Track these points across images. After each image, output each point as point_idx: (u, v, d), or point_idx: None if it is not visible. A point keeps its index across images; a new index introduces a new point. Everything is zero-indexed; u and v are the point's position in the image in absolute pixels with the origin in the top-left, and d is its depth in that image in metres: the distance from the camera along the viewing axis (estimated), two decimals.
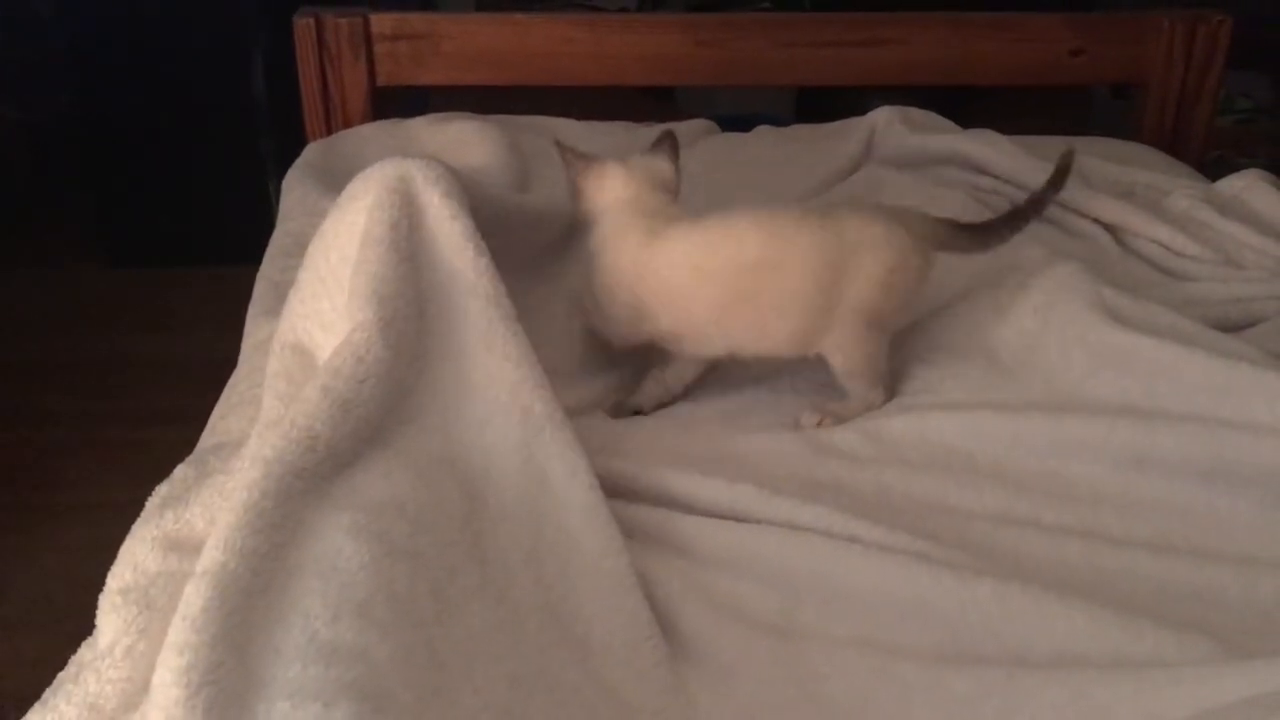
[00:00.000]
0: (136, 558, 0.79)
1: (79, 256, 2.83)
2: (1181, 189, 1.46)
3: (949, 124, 1.58)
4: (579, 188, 1.16)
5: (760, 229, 1.06)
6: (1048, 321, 1.15)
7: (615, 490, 0.93)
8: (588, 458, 0.89)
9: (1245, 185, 1.45)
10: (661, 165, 1.17)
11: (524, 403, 0.90)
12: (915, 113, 1.57)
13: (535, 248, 1.22)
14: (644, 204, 1.13)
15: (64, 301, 2.68)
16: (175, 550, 0.79)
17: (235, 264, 1.47)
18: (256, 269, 1.35)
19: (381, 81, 1.69)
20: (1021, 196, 1.42)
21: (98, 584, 0.79)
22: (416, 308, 0.92)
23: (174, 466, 0.88)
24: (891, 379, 1.13)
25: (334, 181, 1.43)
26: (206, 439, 1.03)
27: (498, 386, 0.91)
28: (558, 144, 1.19)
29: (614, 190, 1.14)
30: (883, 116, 1.55)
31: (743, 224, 1.07)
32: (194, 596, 0.66)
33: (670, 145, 1.18)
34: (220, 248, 2.30)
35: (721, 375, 1.18)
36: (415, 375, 0.90)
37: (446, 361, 0.92)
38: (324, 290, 0.95)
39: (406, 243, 0.94)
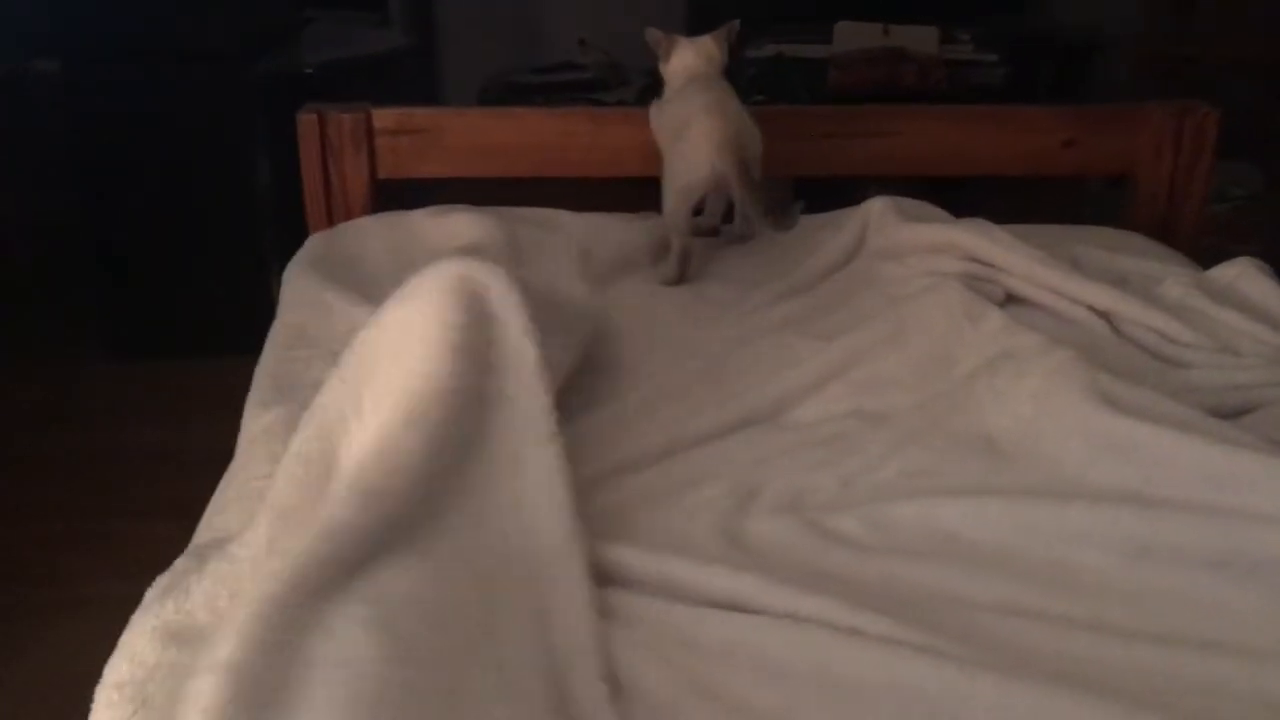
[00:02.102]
0: (135, 649, 0.78)
1: (80, 349, 2.84)
2: (1175, 276, 1.47)
3: (942, 213, 1.59)
4: (662, 58, 1.62)
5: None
6: (1045, 408, 1.15)
7: (615, 577, 0.92)
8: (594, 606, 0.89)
9: (1238, 273, 1.46)
10: (711, 47, 1.59)
11: (543, 539, 0.90)
12: (908, 203, 1.59)
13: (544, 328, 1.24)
14: (694, 73, 1.58)
15: (65, 394, 2.68)
16: (175, 641, 0.78)
17: (236, 354, 1.48)
18: (256, 359, 1.35)
19: (383, 174, 1.71)
20: (1015, 285, 1.44)
21: (95, 679, 0.77)
22: (458, 407, 0.92)
23: (174, 560, 0.88)
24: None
25: (334, 273, 1.44)
26: (202, 534, 1.02)
27: (521, 512, 0.91)
28: (650, 30, 1.62)
29: (679, 60, 1.60)
30: (876, 207, 1.57)
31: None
32: (209, 690, 0.65)
33: (726, 31, 1.62)
34: (221, 338, 2.30)
35: (728, 456, 1.17)
36: (445, 471, 0.90)
37: (476, 471, 0.92)
38: (366, 377, 0.95)
39: (460, 340, 0.94)
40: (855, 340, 1.34)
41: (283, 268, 1.53)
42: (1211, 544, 0.96)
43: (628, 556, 0.96)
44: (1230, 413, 1.18)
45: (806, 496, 1.11)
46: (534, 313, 1.02)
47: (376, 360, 0.97)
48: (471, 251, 1.45)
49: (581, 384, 1.31)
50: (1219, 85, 3.30)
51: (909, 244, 1.51)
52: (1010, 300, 1.43)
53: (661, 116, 1.60)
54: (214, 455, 1.24)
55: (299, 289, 1.44)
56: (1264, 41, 3.53)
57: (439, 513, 0.88)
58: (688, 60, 1.59)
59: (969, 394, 1.22)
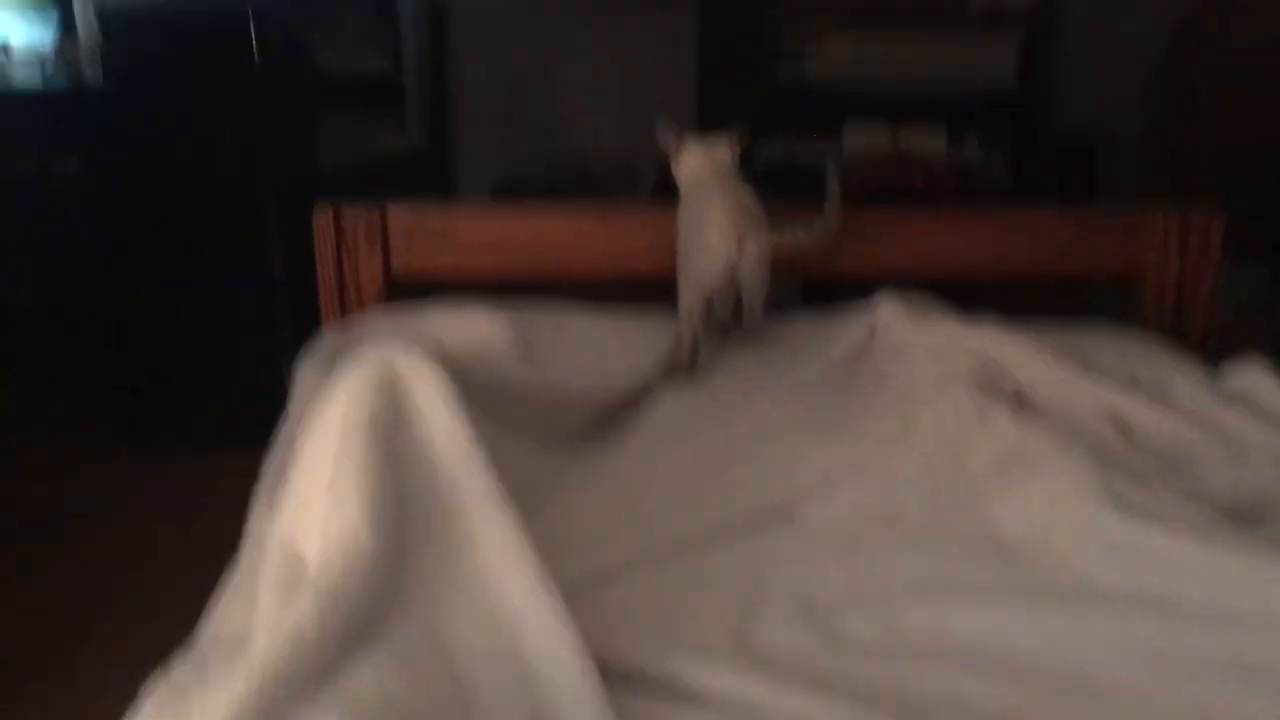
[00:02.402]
0: None
1: (92, 439, 2.85)
2: (1184, 377, 1.47)
3: (951, 311, 1.60)
4: (673, 156, 1.67)
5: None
6: (1057, 511, 1.14)
7: (619, 677, 0.91)
8: (583, 650, 0.87)
9: (1247, 375, 1.46)
10: (722, 148, 1.65)
11: (513, 595, 0.89)
12: (917, 300, 1.60)
13: (550, 421, 1.24)
14: (703, 171, 1.63)
15: (75, 484, 2.68)
16: None
17: (250, 447, 1.48)
18: (266, 452, 1.35)
19: (396, 270, 1.73)
20: (1025, 384, 1.44)
21: None
22: (401, 498, 0.92)
23: (176, 656, 0.87)
24: None
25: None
26: (204, 631, 1.01)
27: (486, 581, 0.90)
28: (661, 124, 1.68)
29: (689, 159, 1.65)
30: (885, 304, 1.58)
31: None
32: None
33: (737, 135, 1.67)
34: (235, 431, 2.30)
35: (737, 555, 1.16)
36: (403, 566, 0.89)
37: (433, 552, 0.92)
38: (308, 484, 0.96)
39: (389, 432, 0.95)
40: (864, 438, 1.34)
41: (296, 361, 1.54)
42: (1225, 650, 0.95)
43: (634, 655, 0.95)
44: (1241, 516, 1.17)
45: (816, 597, 1.10)
46: (457, 394, 1.03)
47: (314, 462, 0.97)
48: (481, 347, 1.47)
49: (590, 481, 1.31)
50: (1223, 183, 3.35)
51: (918, 342, 1.52)
52: (1020, 400, 1.43)
53: (681, 214, 1.63)
54: (222, 549, 1.23)
55: (309, 383, 1.44)
56: (1266, 139, 3.58)
57: (402, 607, 0.87)
58: (697, 159, 1.64)
59: (980, 495, 1.21)
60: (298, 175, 2.80)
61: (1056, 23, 3.70)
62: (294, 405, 1.43)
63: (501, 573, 0.90)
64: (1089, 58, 3.72)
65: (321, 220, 1.71)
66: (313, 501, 0.95)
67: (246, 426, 1.80)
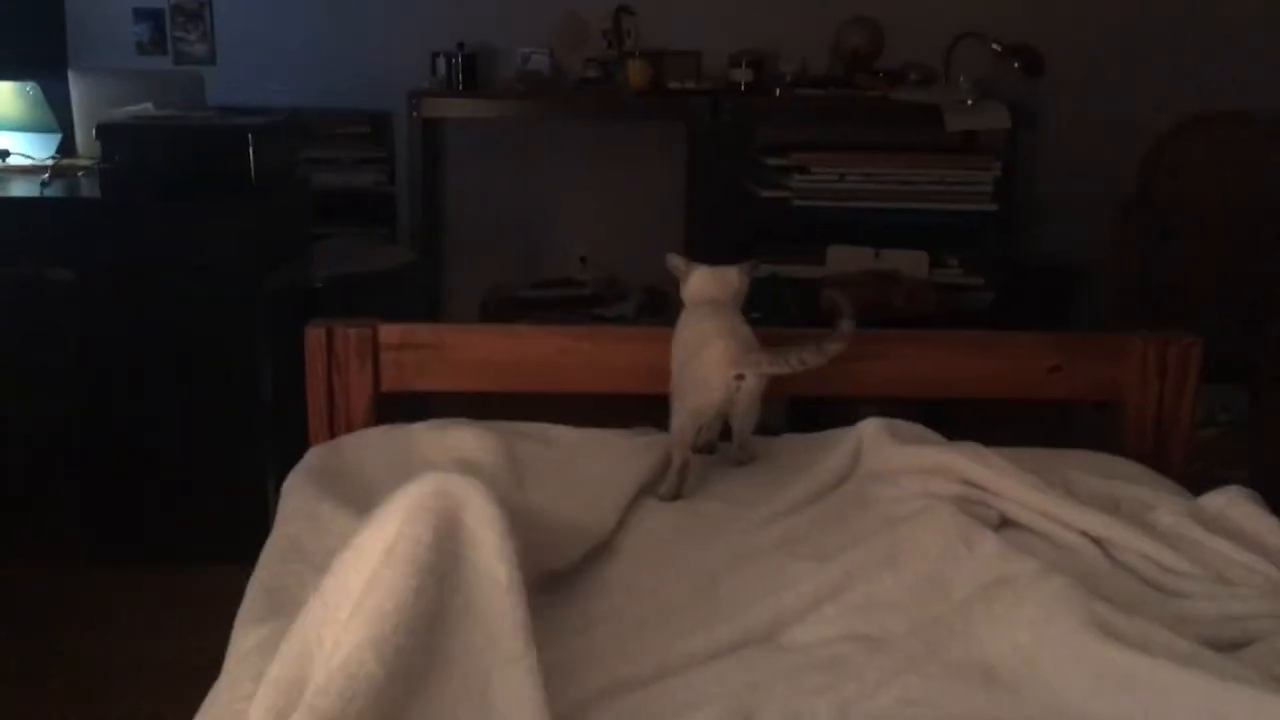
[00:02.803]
0: None
1: (75, 554, 2.81)
2: (1166, 504, 1.48)
3: (935, 436, 1.62)
4: (682, 281, 1.67)
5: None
6: (1044, 637, 1.14)
7: None
8: None
9: (1228, 501, 1.47)
10: (734, 276, 1.64)
11: None
12: (902, 425, 1.62)
13: (540, 547, 1.24)
14: (709, 299, 1.63)
15: (57, 599, 2.64)
16: None
17: (235, 564, 1.48)
18: (250, 568, 1.35)
19: (386, 387, 1.75)
20: (1009, 509, 1.45)
21: None
22: (424, 626, 0.91)
23: None
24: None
25: (334, 486, 1.45)
26: None
27: (489, 709, 0.89)
28: (670, 256, 1.69)
29: (697, 284, 1.66)
30: (870, 429, 1.60)
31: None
32: None
33: (750, 265, 1.67)
34: (221, 548, 2.28)
35: (722, 679, 1.16)
36: (411, 696, 0.88)
37: (444, 692, 0.91)
38: (345, 602, 0.95)
39: (430, 559, 0.94)
40: (850, 562, 1.34)
41: (283, 478, 1.54)
42: None
43: None
44: (1227, 645, 1.17)
45: None
46: (510, 529, 1.02)
47: (349, 583, 0.97)
48: (468, 467, 1.47)
49: (576, 602, 1.30)
50: (1200, 309, 3.41)
51: (903, 466, 1.53)
52: (1005, 524, 1.44)
53: (676, 337, 1.64)
54: (205, 668, 1.22)
55: (297, 501, 1.44)
56: (1239, 268, 3.66)
57: None
58: (705, 285, 1.64)
59: (966, 620, 1.21)
60: (289, 290, 2.83)
61: (1033, 149, 3.81)
62: (281, 523, 1.43)
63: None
64: (1066, 183, 3.82)
65: (313, 338, 1.72)
66: (333, 619, 0.94)
67: (231, 543, 1.79)
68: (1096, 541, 1.40)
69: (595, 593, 1.33)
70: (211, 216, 2.63)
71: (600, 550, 1.43)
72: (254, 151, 2.62)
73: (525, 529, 1.19)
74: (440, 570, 0.96)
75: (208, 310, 2.64)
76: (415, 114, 3.59)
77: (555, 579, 1.32)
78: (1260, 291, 3.64)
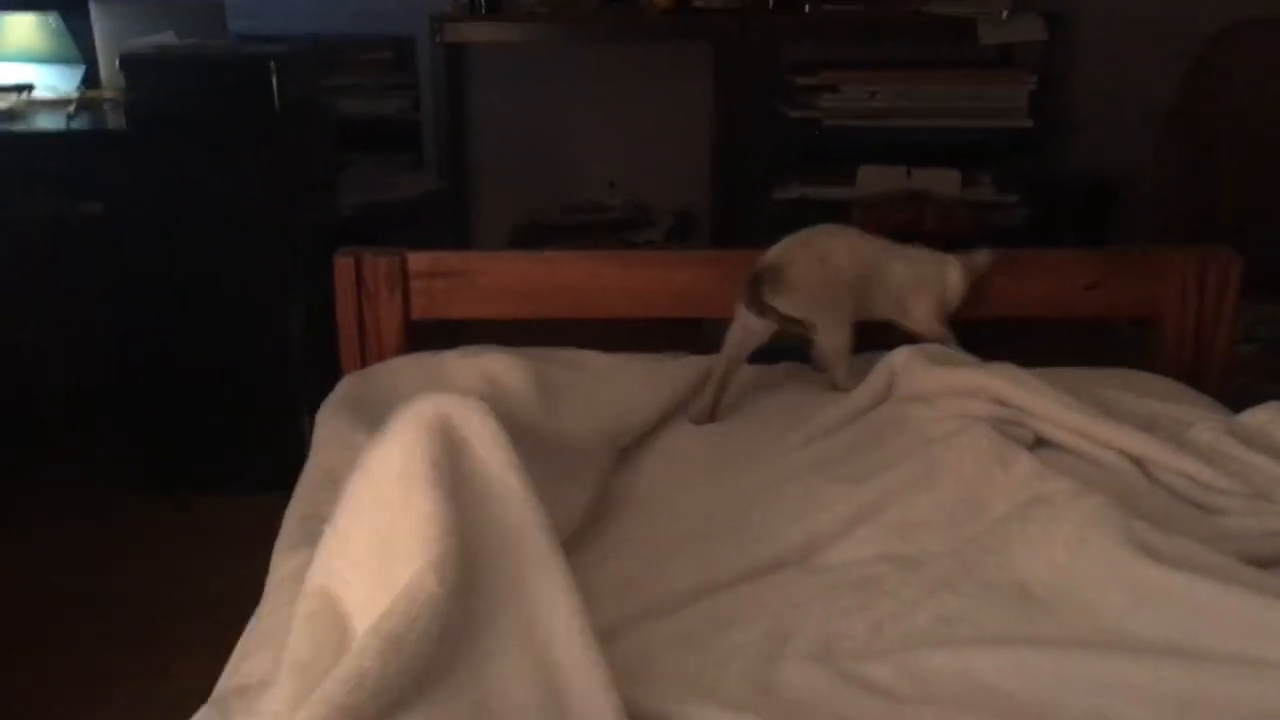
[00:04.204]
0: None
1: (110, 481, 2.86)
2: (1205, 421, 1.47)
3: (970, 358, 1.60)
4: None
5: None
6: (1081, 556, 1.14)
7: None
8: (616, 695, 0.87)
9: (1269, 418, 1.45)
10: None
11: (563, 656, 0.90)
12: (934, 349, 1.60)
13: (571, 470, 1.25)
14: None
15: (97, 530, 2.69)
16: None
17: (271, 493, 1.50)
18: (288, 497, 1.36)
19: (416, 315, 1.74)
20: (1045, 429, 1.44)
21: None
22: (461, 545, 0.93)
23: (199, 701, 0.87)
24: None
25: (367, 414, 1.46)
26: (228, 679, 1.02)
27: (535, 635, 0.90)
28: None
29: None
30: (902, 354, 1.58)
31: None
32: None
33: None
34: (256, 477, 2.32)
35: (758, 600, 1.16)
36: (458, 615, 0.90)
37: (487, 605, 0.92)
38: (357, 529, 0.96)
39: (449, 480, 0.95)
40: (885, 483, 1.34)
41: (317, 408, 1.55)
42: (1253, 698, 0.94)
43: (656, 704, 0.95)
44: (1266, 561, 1.16)
45: (838, 643, 1.10)
46: (511, 441, 1.03)
47: (362, 505, 0.98)
48: (499, 392, 1.47)
49: (609, 527, 1.31)
50: (1245, 224, 3.34)
51: (937, 388, 1.52)
52: (1040, 444, 1.43)
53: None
54: (245, 595, 1.24)
55: (331, 430, 1.45)
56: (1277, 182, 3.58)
57: (460, 655, 0.87)
58: None
59: (1001, 539, 1.21)
60: (318, 219, 2.83)
61: (1069, 61, 3.72)
62: (315, 452, 1.44)
63: (553, 630, 0.91)
64: (1103, 96, 3.73)
65: (343, 267, 1.72)
66: (354, 549, 0.95)
67: (267, 472, 1.81)
68: (1134, 460, 1.39)
69: (631, 516, 1.34)
70: (238, 147, 2.62)
71: (630, 473, 1.43)
72: (278, 80, 2.60)
73: (552, 447, 1.20)
74: (459, 488, 0.97)
75: (237, 240, 2.64)
76: (438, 39, 3.54)
77: (585, 505, 1.33)
78: None
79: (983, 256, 1.73)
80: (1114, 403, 1.53)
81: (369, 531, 0.95)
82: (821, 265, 1.60)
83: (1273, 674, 0.95)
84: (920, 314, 1.67)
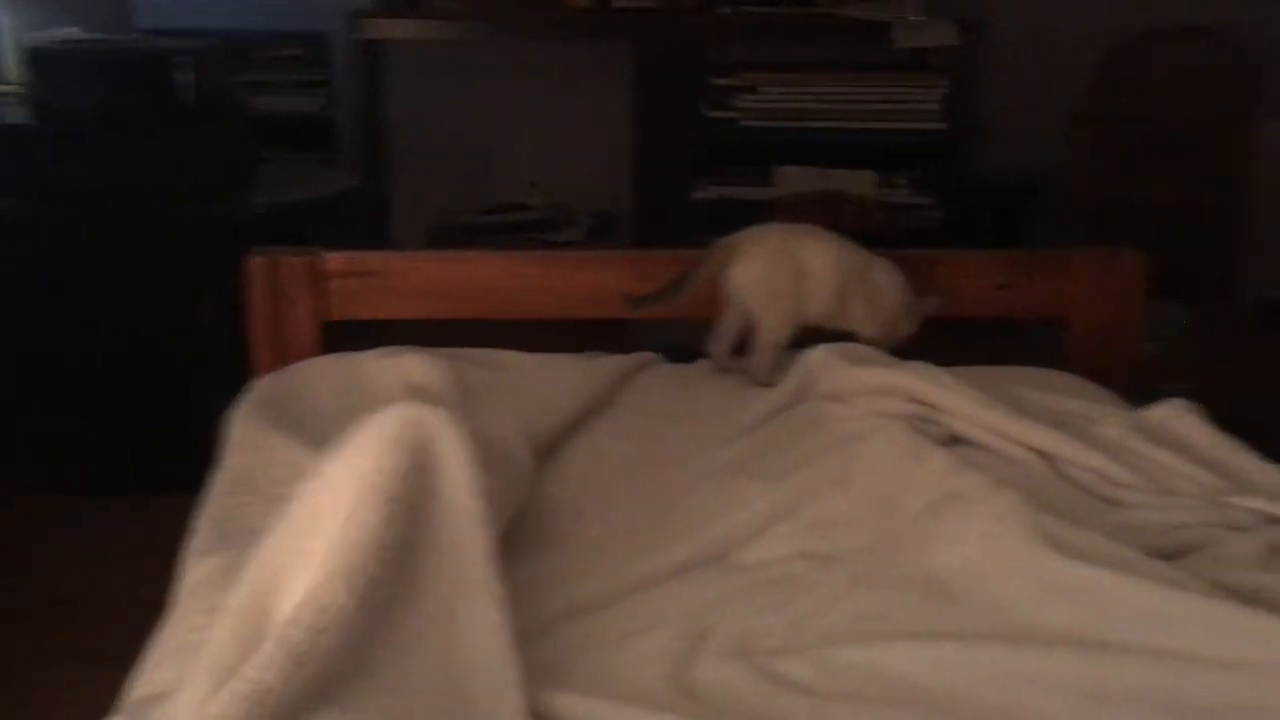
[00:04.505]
0: None
1: (16, 487, 2.77)
2: (1111, 417, 1.50)
3: (886, 356, 1.63)
4: None
5: None
6: (992, 550, 1.16)
7: None
8: None
9: (1171, 414, 1.50)
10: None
11: (470, 692, 0.89)
12: (851, 347, 1.62)
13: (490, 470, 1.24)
14: None
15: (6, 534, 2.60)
16: None
17: (179, 496, 1.46)
18: (194, 499, 1.33)
19: (332, 316, 1.72)
20: (959, 426, 1.46)
21: None
22: (394, 558, 0.91)
23: (104, 718, 0.85)
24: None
25: (282, 416, 1.44)
26: (137, 688, 0.99)
27: (454, 666, 0.89)
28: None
29: None
30: (820, 352, 1.60)
31: None
32: None
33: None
34: (165, 479, 2.26)
35: (677, 599, 1.16)
36: (379, 628, 0.88)
37: (412, 622, 0.90)
38: (308, 529, 0.94)
39: (404, 491, 0.94)
40: (802, 481, 1.35)
41: (228, 410, 1.52)
42: (1158, 687, 0.96)
43: (573, 706, 0.95)
44: (1169, 553, 1.19)
45: (756, 640, 1.10)
46: (481, 462, 1.02)
47: (318, 511, 0.96)
48: (420, 394, 1.46)
49: (529, 527, 1.30)
50: (1150, 224, 3.44)
51: (854, 386, 1.54)
52: (954, 441, 1.45)
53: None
54: (153, 602, 1.21)
55: (244, 432, 1.43)
56: (1185, 185, 3.70)
57: (370, 670, 0.86)
58: None
59: (916, 535, 1.23)
60: (232, 217, 2.78)
61: (981, 65, 3.79)
62: (228, 455, 1.41)
63: (472, 666, 0.90)
64: (1015, 100, 3.82)
65: (255, 267, 1.69)
66: (303, 553, 0.93)
67: (179, 475, 1.77)
68: (1043, 456, 1.42)
69: (551, 517, 1.33)
70: (149, 143, 2.56)
71: (554, 474, 1.43)
72: (190, 75, 2.55)
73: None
74: (412, 501, 0.95)
75: (148, 238, 2.58)
76: (354, 35, 3.50)
77: (505, 505, 1.32)
78: (1205, 208, 3.68)
79: (934, 301, 1.75)
80: (1025, 400, 1.57)
81: (315, 538, 0.93)
82: (790, 258, 1.65)
83: (1175, 663, 0.97)
84: (874, 333, 1.71)
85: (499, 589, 0.97)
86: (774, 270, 1.66)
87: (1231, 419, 1.52)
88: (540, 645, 1.05)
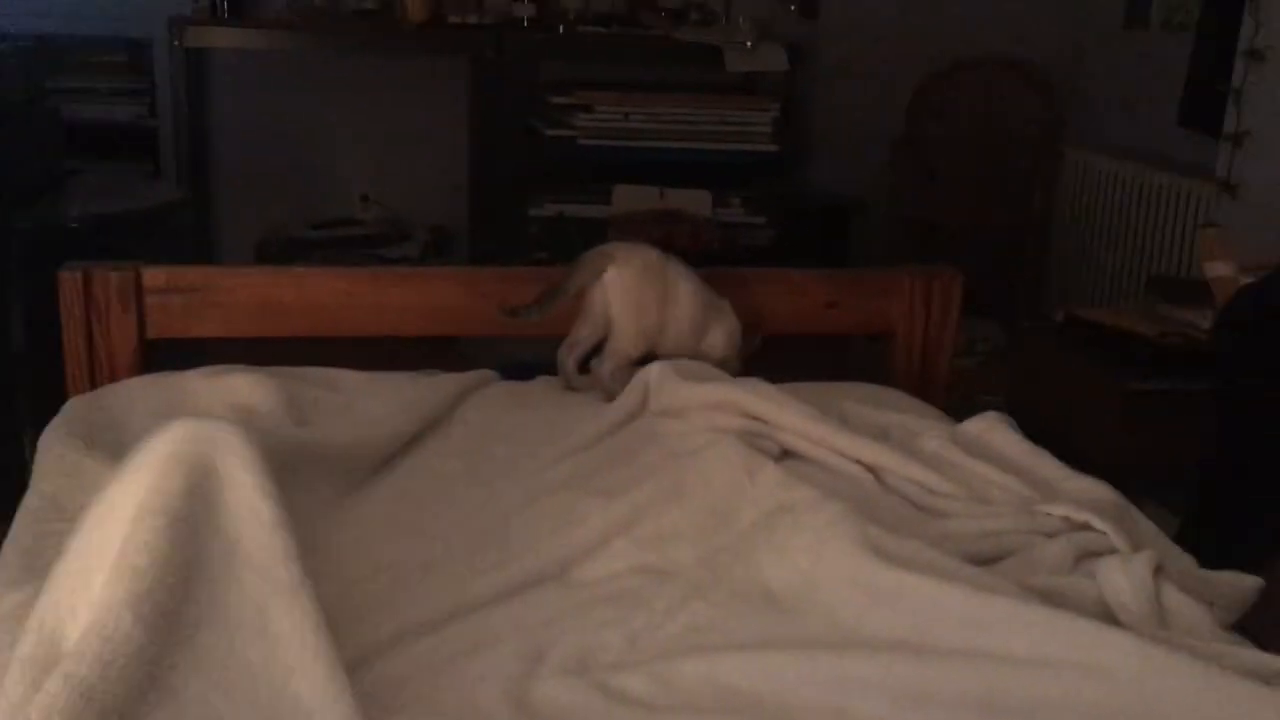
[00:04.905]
0: None
1: None
2: (931, 430, 1.57)
3: (720, 372, 1.66)
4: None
5: None
6: (820, 561, 1.19)
7: None
8: None
9: (986, 426, 1.57)
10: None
11: (293, 691, 0.86)
12: (686, 364, 1.65)
13: (323, 491, 1.24)
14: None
15: None
16: None
17: None
18: (5, 529, 1.26)
19: (153, 334, 1.65)
20: (789, 440, 1.50)
21: None
22: (181, 577, 0.88)
23: None
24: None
25: (96, 439, 1.37)
26: None
27: (272, 669, 0.87)
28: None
29: None
30: (656, 369, 1.62)
31: None
32: None
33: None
34: None
35: (514, 618, 1.16)
36: (175, 648, 0.85)
37: (215, 636, 0.87)
38: (97, 564, 0.90)
39: (183, 508, 0.90)
40: (638, 496, 1.36)
41: (38, 433, 1.44)
42: (976, 687, 1.01)
43: None
44: (985, 559, 1.25)
45: (594, 656, 1.11)
46: (269, 468, 1.00)
47: (102, 539, 0.92)
48: (245, 413, 1.41)
49: (363, 548, 1.28)
50: (962, 244, 3.62)
51: (689, 402, 1.56)
52: (785, 455, 1.49)
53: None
54: None
55: (56, 456, 1.36)
56: (997, 205, 3.90)
57: (174, 692, 0.82)
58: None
59: (749, 548, 1.25)
60: (40, 229, 2.64)
61: (809, 89, 3.92)
62: (37, 479, 1.34)
63: (296, 663, 0.87)
64: (840, 123, 3.96)
65: (68, 282, 1.61)
66: (90, 583, 0.89)
67: None
68: (869, 468, 1.47)
69: (382, 537, 1.31)
70: None
71: (386, 493, 1.40)
72: None
73: (300, 462, 1.16)
74: (197, 518, 0.92)
75: None
76: (177, 43, 3.37)
77: (341, 525, 1.30)
78: (1015, 228, 3.89)
79: (756, 342, 1.79)
80: (852, 415, 1.62)
81: (99, 566, 0.89)
82: (662, 280, 1.69)
83: (991, 664, 1.02)
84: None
85: (309, 588, 0.94)
86: (645, 285, 1.67)
87: (1040, 428, 1.61)
88: (374, 668, 1.04)
